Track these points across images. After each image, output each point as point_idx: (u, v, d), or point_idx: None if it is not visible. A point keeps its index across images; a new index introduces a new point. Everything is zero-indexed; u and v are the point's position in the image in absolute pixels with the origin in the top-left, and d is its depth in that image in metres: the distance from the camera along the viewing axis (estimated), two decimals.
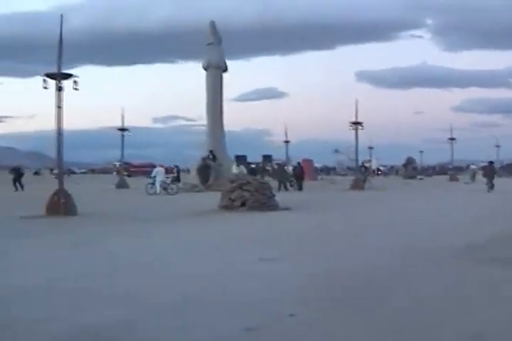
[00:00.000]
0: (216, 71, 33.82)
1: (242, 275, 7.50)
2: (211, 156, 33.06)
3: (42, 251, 9.95)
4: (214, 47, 33.81)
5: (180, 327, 5.12)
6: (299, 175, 33.52)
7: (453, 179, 50.18)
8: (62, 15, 16.64)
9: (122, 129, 38.35)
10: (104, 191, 34.81)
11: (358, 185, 33.48)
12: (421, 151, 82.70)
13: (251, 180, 18.67)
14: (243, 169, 30.84)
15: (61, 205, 16.35)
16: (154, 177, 29.40)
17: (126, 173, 77.31)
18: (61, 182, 16.76)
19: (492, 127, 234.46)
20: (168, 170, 37.61)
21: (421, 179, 57.16)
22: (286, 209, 18.20)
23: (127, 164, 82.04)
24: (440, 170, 78.73)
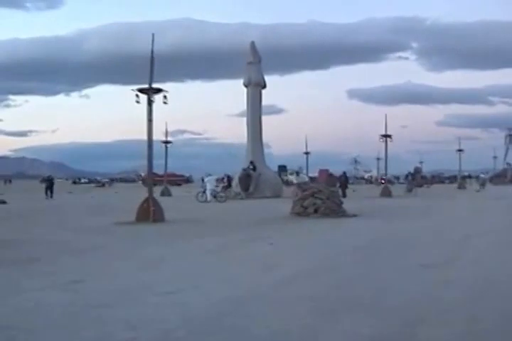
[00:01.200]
0: (256, 88, 33.90)
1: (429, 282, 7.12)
2: (252, 167, 33.15)
3: (197, 258, 9.52)
4: (254, 66, 33.90)
5: None
6: (344, 183, 33.80)
7: (461, 187, 50.23)
8: (153, 34, 16.56)
9: (166, 142, 38.28)
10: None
11: (386, 193, 33.64)
12: (421, 162, 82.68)
13: (322, 189, 18.60)
14: (304, 177, 30.68)
15: (151, 212, 16.27)
16: (205, 185, 29.32)
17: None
18: (150, 191, 16.69)
19: (472, 140, 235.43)
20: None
21: (428, 187, 56.99)
22: (354, 215, 18.08)
23: (153, 174, 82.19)
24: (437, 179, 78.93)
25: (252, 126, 33.98)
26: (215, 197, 28.79)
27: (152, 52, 16.37)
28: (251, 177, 32.84)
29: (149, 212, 16.21)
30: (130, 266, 8.55)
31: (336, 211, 17.98)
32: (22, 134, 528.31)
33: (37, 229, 14.72)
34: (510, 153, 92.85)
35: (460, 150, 50.73)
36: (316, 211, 17.88)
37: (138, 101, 16.33)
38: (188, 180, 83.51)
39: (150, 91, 16.31)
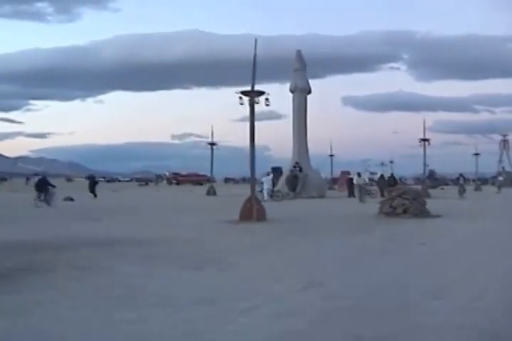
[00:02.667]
0: (302, 94, 33.11)
1: None
2: (298, 168, 32.37)
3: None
4: (300, 73, 33.11)
5: None
6: (393, 184, 33.02)
7: (477, 189, 49.36)
8: (256, 40, 15.66)
9: (212, 144, 37.34)
10: (200, 197, 33.90)
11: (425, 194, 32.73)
12: (426, 165, 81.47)
13: (408, 190, 17.76)
14: (365, 178, 29.55)
15: (254, 211, 15.40)
16: (262, 184, 28.43)
17: (175, 181, 76.68)
18: (252, 191, 15.81)
19: (458, 145, 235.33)
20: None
21: (442, 189, 56.01)
22: (438, 216, 17.21)
23: (176, 174, 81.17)
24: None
25: (297, 130, 33.18)
26: (271, 196, 27.92)
27: (255, 56, 15.51)
28: (298, 178, 32.06)
29: (253, 211, 15.32)
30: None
31: (422, 211, 17.14)
32: (41, 136, 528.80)
33: (153, 227, 13.81)
34: (505, 157, 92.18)
35: (477, 154, 49.70)
36: (404, 211, 17.05)
37: (242, 103, 15.48)
38: (209, 180, 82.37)
39: (253, 94, 15.42)
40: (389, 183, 33.70)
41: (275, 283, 6.40)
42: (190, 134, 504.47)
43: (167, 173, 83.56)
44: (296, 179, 32.02)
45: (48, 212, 19.08)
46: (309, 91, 33.56)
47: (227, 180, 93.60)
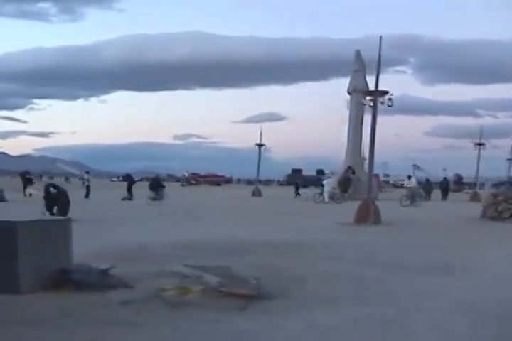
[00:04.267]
0: (360, 95, 32.73)
1: None
2: (351, 170, 32.08)
3: None
4: (359, 74, 32.79)
5: None
6: (445, 188, 33.06)
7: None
8: (381, 37, 15.38)
9: (260, 145, 36.95)
10: (250, 198, 33.55)
11: (476, 198, 32.45)
12: (444, 169, 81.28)
13: None
14: (414, 182, 29.28)
15: (371, 214, 15.13)
16: (323, 186, 28.22)
17: (194, 182, 76.27)
18: (369, 193, 15.64)
19: (459, 150, 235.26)
20: None
21: (467, 193, 55.45)
22: None
23: (195, 174, 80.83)
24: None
25: (353, 131, 32.94)
26: (331, 198, 27.68)
27: (379, 56, 15.27)
28: (350, 181, 31.76)
29: (369, 214, 15.05)
30: None
31: None
32: (44, 135, 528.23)
33: (281, 230, 13.46)
34: None
35: (510, 160, 49.20)
36: (511, 215, 16.93)
37: (364, 104, 15.24)
38: (228, 181, 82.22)
39: (376, 94, 15.15)
40: (441, 187, 33.76)
41: None
42: (192, 135, 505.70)
43: (186, 173, 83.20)
44: (349, 181, 31.74)
45: (160, 211, 19.02)
46: None
47: (238, 181, 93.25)
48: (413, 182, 28.66)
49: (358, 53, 33.47)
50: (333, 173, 29.93)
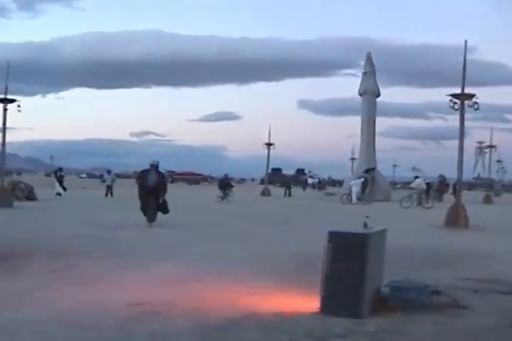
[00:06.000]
0: (371, 96, 32.88)
1: None
2: (370, 171, 32.01)
3: None
4: (369, 76, 32.93)
5: None
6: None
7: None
8: (466, 41, 15.21)
9: (269, 144, 36.44)
10: (260, 197, 33.06)
11: (489, 200, 33.18)
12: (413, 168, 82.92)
13: None
14: (418, 182, 28.68)
15: (462, 218, 15.00)
16: (351, 187, 27.98)
17: (170, 179, 74.77)
18: (458, 197, 15.42)
19: (410, 150, 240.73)
20: None
21: (451, 194, 56.54)
22: None
23: (172, 172, 79.27)
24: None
25: (367, 132, 32.95)
26: (359, 199, 27.51)
27: (465, 59, 15.02)
28: (367, 181, 31.75)
29: (459, 217, 14.92)
30: None
31: None
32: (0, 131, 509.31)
33: None
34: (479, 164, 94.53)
35: (499, 161, 50.72)
36: None
37: (455, 108, 15.01)
38: (206, 179, 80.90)
39: (462, 98, 14.99)
40: (454, 189, 34.14)
41: None
42: (149, 132, 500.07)
43: (163, 171, 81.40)
44: (366, 182, 31.74)
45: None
46: (378, 95, 33.36)
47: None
48: (417, 183, 27.58)
49: (368, 55, 33.63)
50: (310, 172, 29.83)
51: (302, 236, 12.02)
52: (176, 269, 7.26)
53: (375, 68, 33.22)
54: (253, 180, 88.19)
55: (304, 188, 55.64)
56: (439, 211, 21.61)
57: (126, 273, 7.00)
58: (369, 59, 33.34)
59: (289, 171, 70.79)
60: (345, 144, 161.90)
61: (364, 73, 33.09)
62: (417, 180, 28.24)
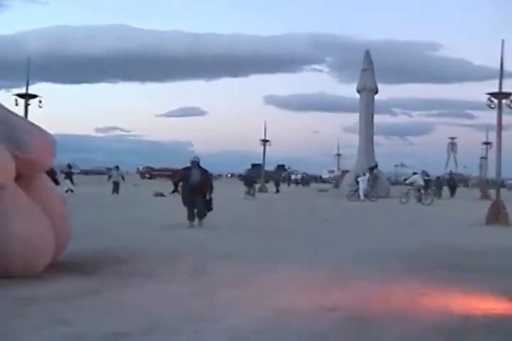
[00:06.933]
0: (369, 93, 33.15)
1: None
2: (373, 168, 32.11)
3: None
4: (368, 73, 33.16)
5: None
6: (452, 185, 33.92)
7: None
8: (503, 41, 15.37)
9: (265, 140, 36.34)
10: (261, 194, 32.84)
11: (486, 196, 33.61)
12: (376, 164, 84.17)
13: None
14: (415, 178, 28.70)
15: (502, 215, 15.21)
16: (358, 184, 28.10)
17: (148, 176, 73.85)
18: (498, 194, 15.62)
19: (376, 146, 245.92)
20: None
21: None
22: None
23: (149, 168, 78.29)
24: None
25: (365, 129, 33.21)
26: (366, 196, 27.68)
27: (501, 59, 15.18)
28: (376, 178, 31.78)
29: (500, 214, 15.12)
30: None
31: None
32: None
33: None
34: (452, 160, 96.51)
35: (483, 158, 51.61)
36: None
37: (491, 106, 15.19)
38: None
39: (500, 97, 15.19)
40: (449, 184, 34.89)
41: None
42: (115, 128, 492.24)
43: (140, 167, 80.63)
44: (374, 179, 31.74)
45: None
46: (376, 91, 33.61)
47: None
48: (413, 179, 27.17)
49: (367, 52, 33.88)
50: (290, 168, 30.33)
51: (367, 234, 12.05)
52: (306, 270, 7.13)
53: (373, 65, 33.45)
54: (232, 175, 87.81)
55: (289, 184, 55.82)
56: (452, 207, 21.96)
57: (262, 275, 6.82)
58: (367, 56, 33.58)
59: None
60: (311, 140, 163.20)
61: (363, 70, 33.27)
62: (414, 176, 27.99)
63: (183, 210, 12.95)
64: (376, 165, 31.76)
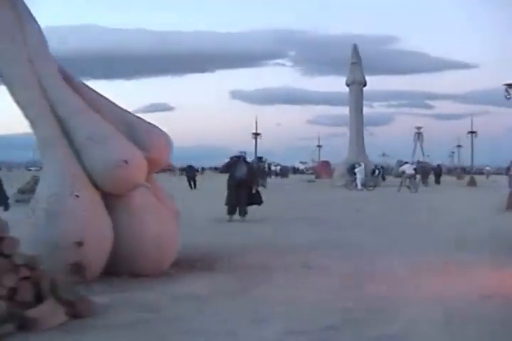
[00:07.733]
0: (358, 86, 33.57)
1: None
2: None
3: None
4: (356, 67, 33.57)
5: None
6: (438, 173, 34.88)
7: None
8: None
9: (256, 134, 36.35)
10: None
11: (473, 183, 34.41)
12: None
13: None
14: (407, 167, 28.83)
15: None
16: (355, 174, 28.55)
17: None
18: None
19: (338, 137, 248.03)
20: None
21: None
22: None
23: None
24: None
25: (355, 122, 33.65)
26: (363, 185, 28.15)
27: None
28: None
29: None
30: None
31: None
32: None
33: None
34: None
35: (459, 146, 53.05)
36: None
37: (507, 97, 15.67)
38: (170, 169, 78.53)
39: None
40: (435, 172, 35.79)
41: None
42: None
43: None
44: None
45: None
46: (365, 84, 34.05)
47: None
48: (406, 168, 27.66)
49: (355, 47, 34.35)
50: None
51: (424, 223, 12.03)
52: (429, 258, 7.29)
53: (361, 59, 33.87)
54: (216, 169, 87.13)
55: (270, 176, 55.95)
56: (455, 193, 22.27)
57: (393, 266, 6.88)
58: (355, 50, 33.98)
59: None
60: (276, 132, 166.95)
61: (352, 63, 33.63)
62: (404, 165, 28.67)
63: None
64: (376, 166, 32.38)
